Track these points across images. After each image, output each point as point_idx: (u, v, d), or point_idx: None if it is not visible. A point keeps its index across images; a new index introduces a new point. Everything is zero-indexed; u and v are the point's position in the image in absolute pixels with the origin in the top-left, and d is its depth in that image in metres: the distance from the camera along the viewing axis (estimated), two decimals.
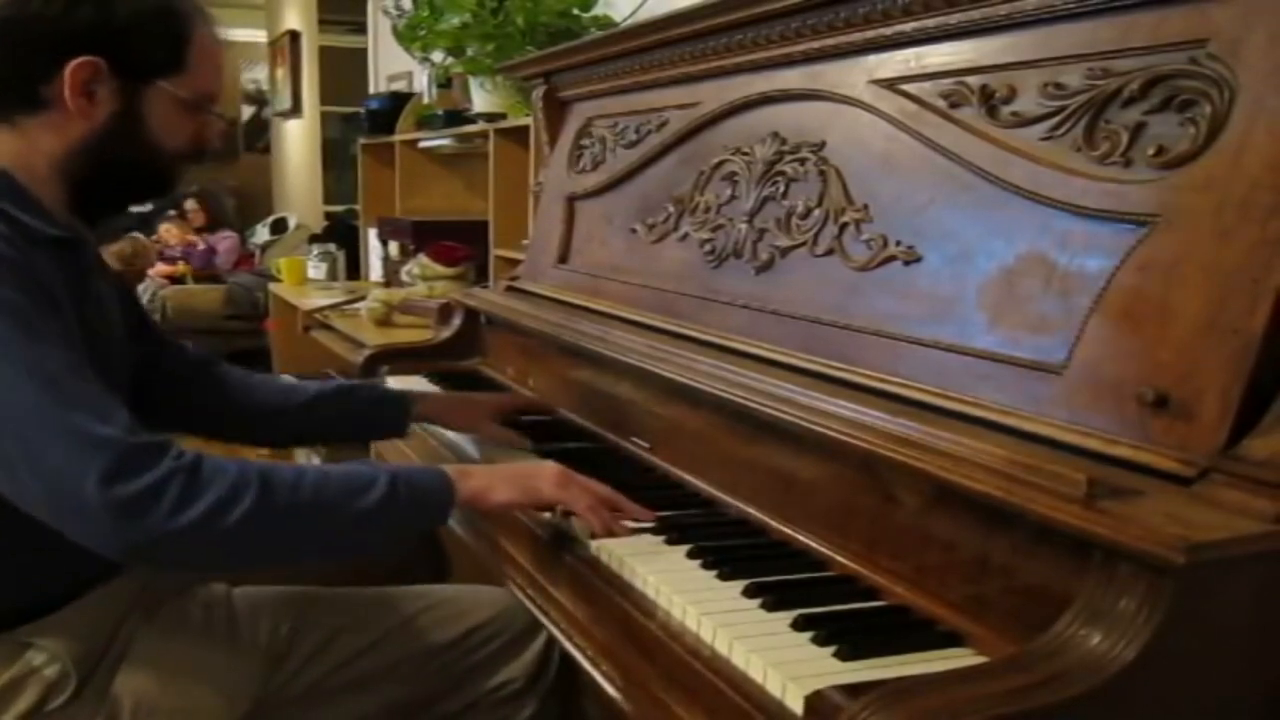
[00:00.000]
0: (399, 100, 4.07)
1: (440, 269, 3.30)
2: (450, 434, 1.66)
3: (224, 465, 1.02)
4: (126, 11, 1.13)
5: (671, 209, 1.62)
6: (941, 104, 1.17)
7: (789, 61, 1.42)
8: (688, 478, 1.36)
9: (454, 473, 1.16)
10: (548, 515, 1.27)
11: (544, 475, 1.21)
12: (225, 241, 6.50)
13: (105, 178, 1.18)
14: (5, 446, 0.98)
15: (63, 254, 1.11)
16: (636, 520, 1.22)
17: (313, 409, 1.51)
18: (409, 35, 2.99)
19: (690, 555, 1.13)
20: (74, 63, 1.10)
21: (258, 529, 1.01)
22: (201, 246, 6.37)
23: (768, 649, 0.91)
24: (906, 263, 1.17)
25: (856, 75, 1.30)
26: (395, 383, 2.00)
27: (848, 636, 0.92)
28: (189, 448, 1.03)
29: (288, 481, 1.04)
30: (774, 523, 1.20)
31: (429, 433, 1.71)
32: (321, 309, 3.71)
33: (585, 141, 1.97)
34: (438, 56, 3.10)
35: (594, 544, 1.19)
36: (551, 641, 1.27)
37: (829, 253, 1.28)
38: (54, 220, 1.13)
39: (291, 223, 6.61)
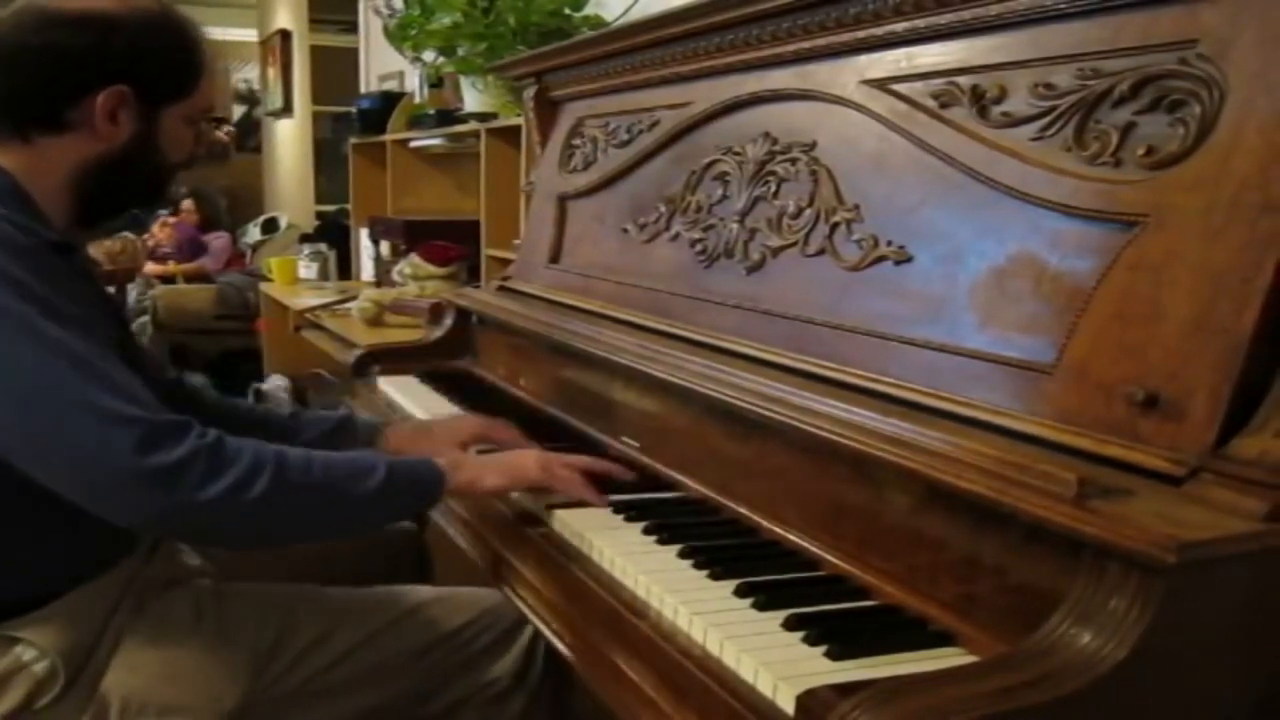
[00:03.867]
0: (390, 100, 4.06)
1: (432, 269, 3.30)
2: None
3: (242, 445, 1.08)
4: (153, 44, 1.19)
5: (663, 209, 1.62)
6: (932, 104, 1.17)
7: (780, 61, 1.42)
8: (679, 477, 1.36)
9: (446, 464, 1.24)
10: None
11: (527, 460, 1.31)
12: (217, 241, 6.49)
13: (113, 190, 1.24)
14: (36, 424, 1.02)
15: (59, 258, 1.14)
16: (617, 478, 1.32)
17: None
18: (400, 35, 2.99)
19: (681, 555, 1.13)
20: (106, 91, 1.16)
21: (274, 505, 1.08)
22: (186, 222, 6.35)
23: (759, 649, 0.91)
24: (897, 263, 1.17)
25: (848, 75, 1.30)
26: (387, 383, 2.00)
27: (839, 636, 0.92)
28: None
29: (299, 464, 1.11)
30: (765, 522, 1.20)
31: None
32: (313, 309, 3.70)
33: (577, 141, 1.97)
34: (429, 56, 3.09)
35: (586, 543, 1.19)
36: (537, 638, 1.28)
37: (820, 253, 1.28)
38: (52, 226, 1.16)
39: (283, 222, 6.59)
